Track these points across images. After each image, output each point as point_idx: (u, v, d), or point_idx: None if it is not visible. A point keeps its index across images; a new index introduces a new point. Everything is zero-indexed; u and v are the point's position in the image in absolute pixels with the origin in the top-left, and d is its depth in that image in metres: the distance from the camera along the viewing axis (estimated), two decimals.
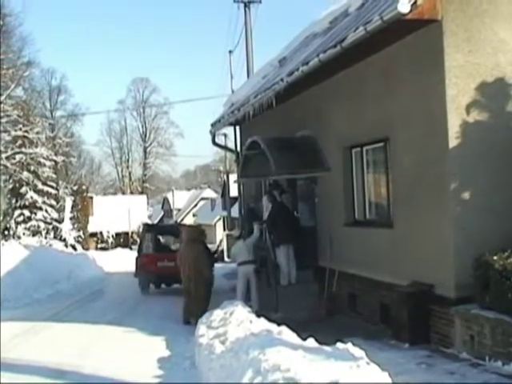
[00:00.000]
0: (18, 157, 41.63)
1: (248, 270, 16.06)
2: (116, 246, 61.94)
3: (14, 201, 42.75)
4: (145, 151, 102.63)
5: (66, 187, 57.61)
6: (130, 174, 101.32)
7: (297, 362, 6.76)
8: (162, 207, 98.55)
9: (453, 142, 10.45)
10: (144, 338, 13.68)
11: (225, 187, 42.61)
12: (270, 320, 11.27)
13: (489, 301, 9.59)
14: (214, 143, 24.89)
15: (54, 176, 49.56)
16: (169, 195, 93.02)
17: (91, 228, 66.75)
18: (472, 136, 10.48)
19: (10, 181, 42.02)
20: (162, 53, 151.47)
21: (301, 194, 17.96)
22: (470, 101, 10.53)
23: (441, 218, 10.76)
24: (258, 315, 11.87)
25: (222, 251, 40.55)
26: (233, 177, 25.99)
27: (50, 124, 68.79)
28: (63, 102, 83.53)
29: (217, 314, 12.53)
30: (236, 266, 16.66)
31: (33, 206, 43.55)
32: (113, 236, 74.38)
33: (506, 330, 9.03)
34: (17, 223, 42.44)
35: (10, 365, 10.56)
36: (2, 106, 36.65)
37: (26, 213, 43.22)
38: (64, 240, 48.20)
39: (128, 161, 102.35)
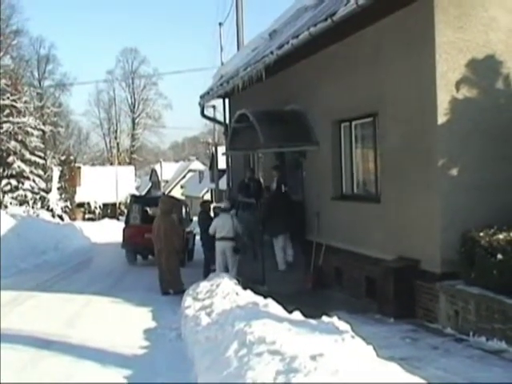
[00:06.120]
0: (5, 126, 41.35)
1: (225, 247, 15.84)
2: (103, 217, 61.59)
3: (1, 170, 42.44)
4: (133, 122, 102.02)
5: (54, 157, 57.19)
6: (118, 144, 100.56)
7: (282, 335, 6.81)
8: (150, 179, 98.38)
9: (442, 118, 10.45)
10: (130, 309, 13.71)
11: (213, 159, 42.54)
12: (256, 293, 11.35)
13: (474, 277, 9.65)
14: (203, 115, 24.88)
15: (42, 146, 49.21)
16: (157, 167, 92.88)
17: (79, 198, 66.46)
18: (461, 113, 10.48)
19: None
20: (151, 23, 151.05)
21: (289, 168, 17.95)
22: (459, 77, 10.52)
23: (428, 194, 10.80)
24: (245, 288, 11.94)
25: None
26: (221, 149, 25.92)
27: (38, 93, 68.38)
28: (51, 72, 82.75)
29: (203, 286, 12.60)
30: (216, 240, 16.12)
31: (20, 176, 43.18)
32: (100, 207, 74.05)
33: (490, 306, 9.11)
34: (4, 192, 42.12)
35: None
36: None
37: (13, 182, 42.84)
38: (51, 210, 47.95)
39: (116, 131, 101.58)
